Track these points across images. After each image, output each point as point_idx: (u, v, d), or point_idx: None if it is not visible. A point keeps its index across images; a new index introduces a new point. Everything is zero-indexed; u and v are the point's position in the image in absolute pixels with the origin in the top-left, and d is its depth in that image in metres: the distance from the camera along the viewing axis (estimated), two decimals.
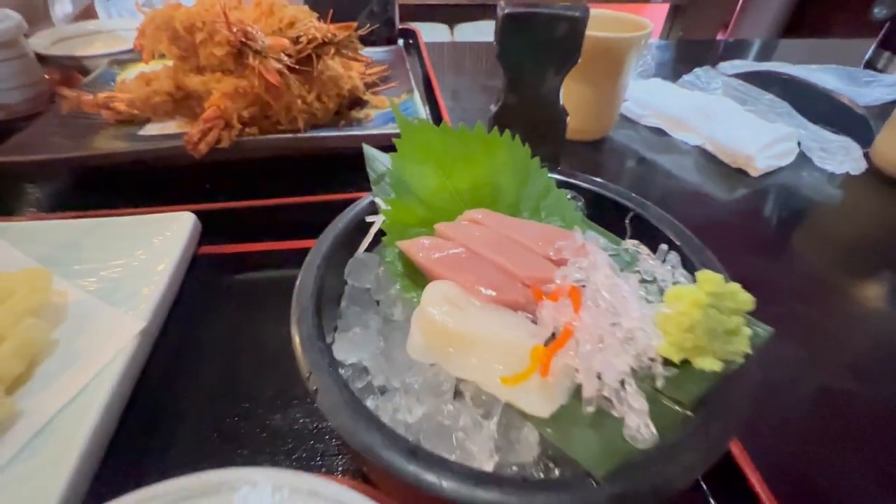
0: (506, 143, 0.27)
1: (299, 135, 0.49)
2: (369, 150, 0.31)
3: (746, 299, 0.19)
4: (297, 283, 0.24)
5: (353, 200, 0.42)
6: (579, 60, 0.29)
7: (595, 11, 0.59)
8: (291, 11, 0.49)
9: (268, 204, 0.43)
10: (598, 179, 0.30)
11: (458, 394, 0.22)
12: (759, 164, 0.54)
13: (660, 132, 0.65)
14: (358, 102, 0.59)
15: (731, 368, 0.19)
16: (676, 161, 0.61)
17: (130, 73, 0.61)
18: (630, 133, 0.66)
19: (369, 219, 0.28)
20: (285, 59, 0.44)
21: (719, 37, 2.22)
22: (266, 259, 0.38)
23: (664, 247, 0.24)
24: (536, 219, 0.28)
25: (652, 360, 0.20)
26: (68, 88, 0.56)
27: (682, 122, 0.61)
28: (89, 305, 0.31)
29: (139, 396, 0.29)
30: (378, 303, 0.27)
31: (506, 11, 0.28)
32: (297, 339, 0.22)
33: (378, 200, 0.28)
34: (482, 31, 1.81)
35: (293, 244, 0.39)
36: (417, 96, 0.58)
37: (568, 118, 0.33)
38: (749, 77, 0.70)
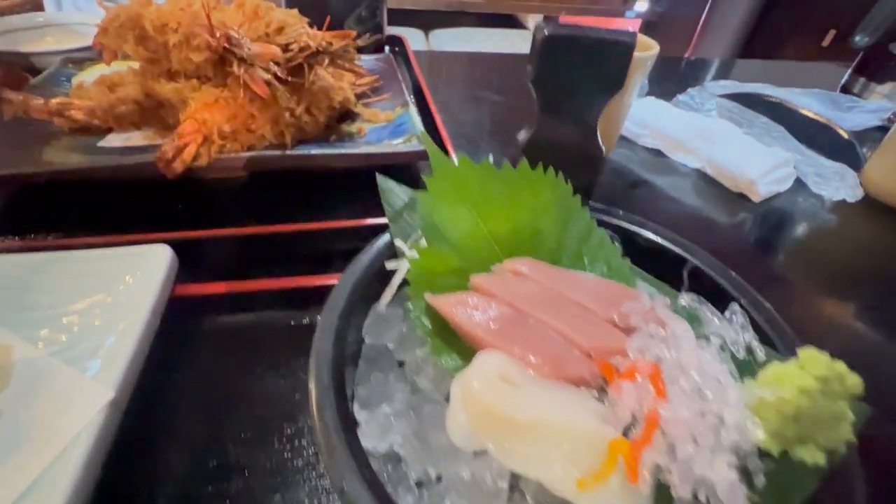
0: (549, 182, 0.24)
1: (287, 152, 0.44)
2: (385, 182, 0.27)
3: (855, 383, 0.17)
4: (314, 354, 0.20)
5: (352, 230, 0.37)
6: (623, 88, 0.26)
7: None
8: (280, 15, 0.44)
9: (256, 232, 0.38)
10: (638, 218, 0.28)
11: (513, 488, 0.18)
12: (761, 190, 0.53)
13: (658, 153, 0.64)
14: (349, 115, 0.55)
15: (834, 460, 0.17)
16: (676, 183, 0.60)
17: (89, 74, 0.55)
18: (628, 153, 0.64)
19: (390, 265, 0.24)
20: (274, 68, 0.39)
21: (686, 54, 2.29)
22: (257, 300, 0.33)
23: (735, 306, 0.22)
24: (579, 266, 0.25)
25: (747, 453, 0.17)
26: (13, 91, 0.49)
27: (680, 143, 0.61)
28: (42, 366, 0.25)
29: (106, 478, 0.24)
30: (401, 363, 0.23)
31: (547, 33, 0.25)
32: (320, 429, 0.18)
33: (400, 244, 0.24)
34: (457, 38, 1.79)
35: (287, 282, 0.34)
36: (413, 110, 0.54)
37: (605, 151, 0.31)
38: (737, 98, 0.71)
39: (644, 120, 0.63)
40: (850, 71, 0.84)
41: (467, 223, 0.23)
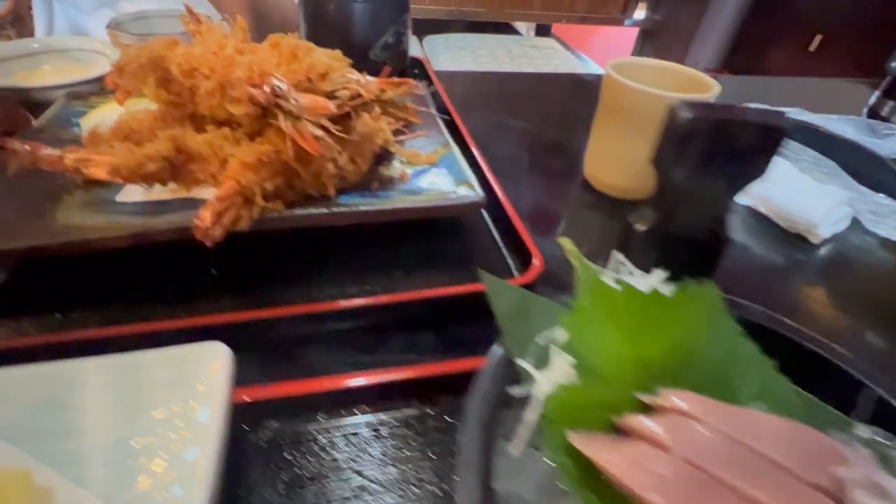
0: (705, 297, 0.20)
1: (334, 209, 0.40)
2: (493, 283, 0.23)
3: None
4: None
5: (429, 301, 0.34)
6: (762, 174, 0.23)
7: (652, 62, 0.55)
8: (321, 57, 0.40)
9: (317, 310, 0.34)
10: (789, 322, 0.24)
11: None
12: (822, 233, 0.51)
13: None
14: (385, 155, 0.51)
15: None
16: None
17: (101, 115, 0.50)
18: None
19: (516, 392, 0.21)
20: (325, 122, 0.35)
21: (682, 62, 2.30)
22: (339, 401, 0.29)
23: None
24: (732, 392, 0.21)
25: None
26: (15, 137, 0.44)
27: None
28: None
29: None
30: None
31: (687, 114, 0.21)
32: None
33: (528, 367, 0.21)
34: (452, 44, 1.76)
35: (375, 376, 0.30)
36: (457, 151, 0.50)
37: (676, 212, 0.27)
38: None
39: None
40: (877, 94, 0.83)
41: (614, 346, 0.20)
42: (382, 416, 0.30)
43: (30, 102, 0.55)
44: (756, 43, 3.69)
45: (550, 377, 0.20)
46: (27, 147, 0.42)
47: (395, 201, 0.43)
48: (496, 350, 0.22)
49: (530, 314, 0.23)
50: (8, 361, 0.25)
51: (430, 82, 0.71)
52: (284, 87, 0.35)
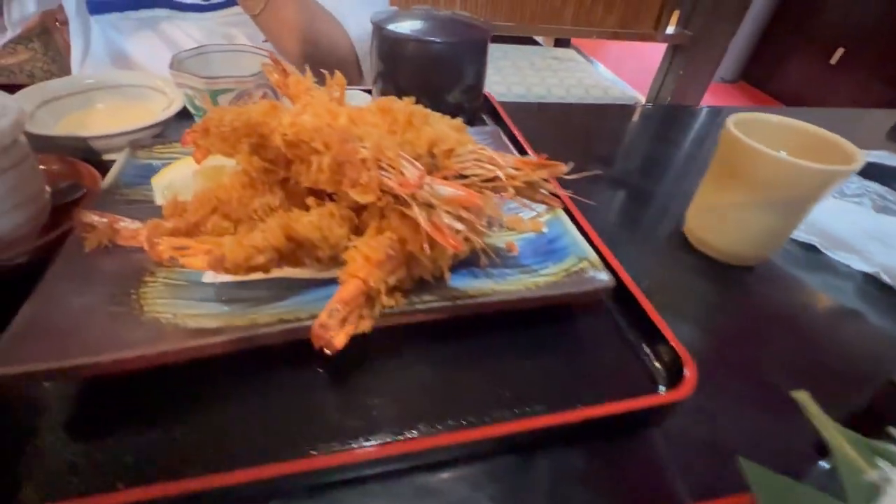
0: None
1: (462, 301, 0.35)
2: (758, 473, 0.19)
3: None
4: None
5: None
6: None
7: (774, 118, 0.50)
8: (443, 128, 0.35)
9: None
10: None
11: None
12: None
13: (811, 248, 0.56)
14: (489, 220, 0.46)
15: None
16: (835, 285, 0.52)
17: (174, 174, 0.45)
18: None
19: None
20: (465, 214, 0.30)
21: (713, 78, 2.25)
22: None
23: None
24: None
25: None
26: (86, 204, 0.39)
27: (844, 241, 0.53)
28: None
29: None
30: None
31: None
32: None
33: None
34: None
35: None
36: (565, 218, 0.45)
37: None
38: (869, 174, 0.64)
39: None
40: None
41: None
42: None
43: (88, 152, 0.50)
44: (775, 54, 3.65)
45: None
46: (104, 220, 0.37)
47: (513, 284, 0.38)
48: None
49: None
50: None
51: (498, 118, 0.67)
52: (420, 173, 0.30)
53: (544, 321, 0.40)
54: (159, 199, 0.43)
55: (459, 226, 0.30)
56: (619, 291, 0.41)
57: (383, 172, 0.30)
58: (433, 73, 0.56)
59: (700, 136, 0.83)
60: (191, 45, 0.77)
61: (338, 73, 0.41)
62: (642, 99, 2.28)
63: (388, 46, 0.57)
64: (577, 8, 1.88)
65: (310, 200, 0.37)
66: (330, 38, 0.77)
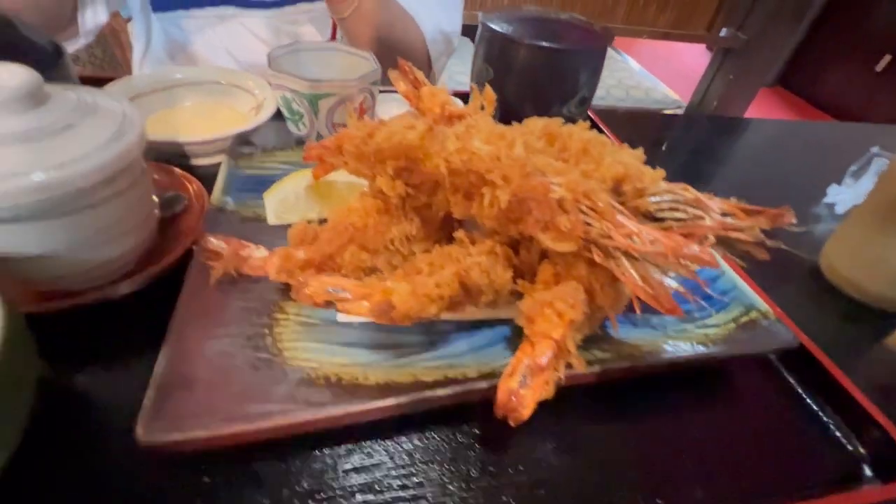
0: None
1: (639, 359, 0.31)
2: None
3: None
4: None
5: None
6: None
7: None
8: (631, 162, 0.30)
9: None
10: None
11: None
12: None
13: None
14: None
15: None
16: None
17: (286, 189, 0.41)
18: None
19: None
20: (679, 269, 0.26)
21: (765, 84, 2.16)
22: None
23: None
24: None
25: None
26: (210, 234, 0.35)
27: None
28: None
29: None
30: None
31: None
32: None
33: None
34: None
35: None
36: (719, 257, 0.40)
37: None
38: None
39: None
40: None
41: None
42: None
43: (179, 156, 0.46)
44: (816, 59, 3.52)
45: None
46: (228, 246, 0.33)
47: (682, 337, 0.34)
48: None
49: None
50: None
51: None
52: (628, 221, 0.25)
53: (699, 377, 0.36)
54: (272, 218, 0.39)
55: (673, 283, 0.26)
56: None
57: (585, 217, 0.26)
58: (550, 82, 0.51)
59: (789, 151, 0.77)
60: (255, 44, 0.73)
61: (487, 88, 0.36)
62: (683, 102, 2.21)
63: (499, 50, 0.52)
64: (629, 6, 1.80)
65: (460, 234, 0.33)
66: (406, 39, 0.73)
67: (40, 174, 0.25)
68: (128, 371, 0.30)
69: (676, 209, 0.29)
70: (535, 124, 0.34)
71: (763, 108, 3.26)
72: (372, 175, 0.34)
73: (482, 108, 0.37)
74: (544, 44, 0.50)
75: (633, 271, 0.25)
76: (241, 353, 0.29)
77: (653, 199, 0.29)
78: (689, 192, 0.29)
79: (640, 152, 0.32)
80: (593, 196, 0.26)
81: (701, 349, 0.33)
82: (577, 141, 0.31)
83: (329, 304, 0.28)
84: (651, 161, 0.32)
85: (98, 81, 0.48)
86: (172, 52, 0.75)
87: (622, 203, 0.30)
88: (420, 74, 0.40)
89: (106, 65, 1.06)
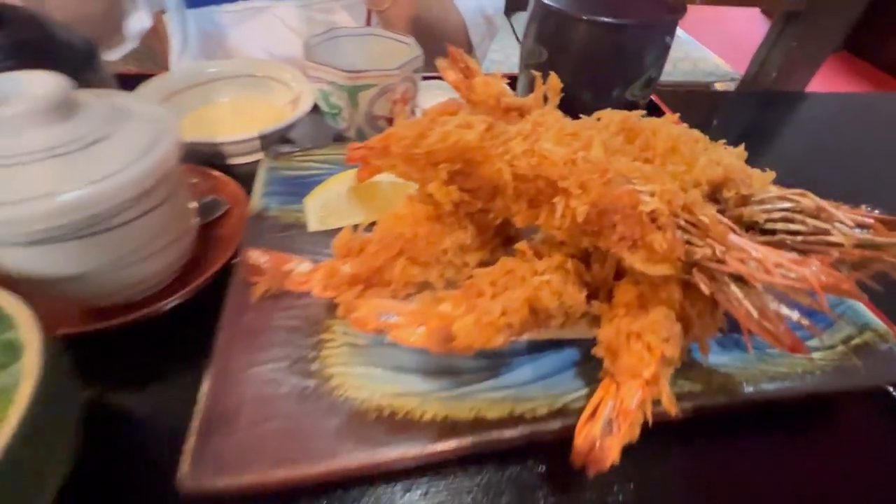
0: None
1: (735, 394, 0.26)
2: None
3: None
4: None
5: None
6: None
7: None
8: (732, 162, 0.25)
9: None
10: None
11: None
12: None
13: None
14: None
15: None
16: None
17: (328, 193, 0.38)
18: None
19: None
20: (802, 298, 0.21)
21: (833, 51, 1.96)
22: None
23: None
24: None
25: None
26: (249, 246, 0.33)
27: None
28: None
29: None
30: None
31: None
32: None
33: None
34: None
35: None
36: None
37: None
38: None
39: None
40: None
41: None
42: None
43: (216, 156, 0.44)
44: (886, 21, 3.17)
45: None
46: (270, 260, 0.31)
47: (780, 363, 0.29)
48: None
49: None
50: None
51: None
52: (742, 241, 0.21)
53: (799, 410, 0.31)
54: (313, 225, 0.37)
55: (794, 315, 0.21)
56: None
57: (685, 235, 0.22)
58: (612, 63, 0.46)
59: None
60: (290, 36, 0.71)
61: (552, 76, 0.31)
62: (738, 74, 2.03)
63: (554, 27, 0.47)
64: None
65: (522, 245, 0.29)
66: (446, 23, 0.69)
67: (71, 193, 0.23)
68: (171, 388, 0.29)
69: (792, 220, 0.24)
70: (611, 118, 0.29)
71: (828, 76, 2.98)
72: (423, 179, 0.31)
73: (545, 99, 0.33)
74: (606, 19, 0.44)
75: (747, 302, 0.21)
76: (286, 381, 0.26)
77: (761, 207, 0.24)
78: (809, 199, 0.24)
79: (741, 150, 0.27)
80: (696, 209, 0.22)
81: (807, 380, 0.28)
82: (665, 138, 0.27)
83: (379, 330, 0.25)
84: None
85: (135, 78, 0.47)
86: (208, 48, 0.74)
87: (722, 212, 0.25)
88: (473, 63, 0.36)
89: (143, 56, 1.07)
